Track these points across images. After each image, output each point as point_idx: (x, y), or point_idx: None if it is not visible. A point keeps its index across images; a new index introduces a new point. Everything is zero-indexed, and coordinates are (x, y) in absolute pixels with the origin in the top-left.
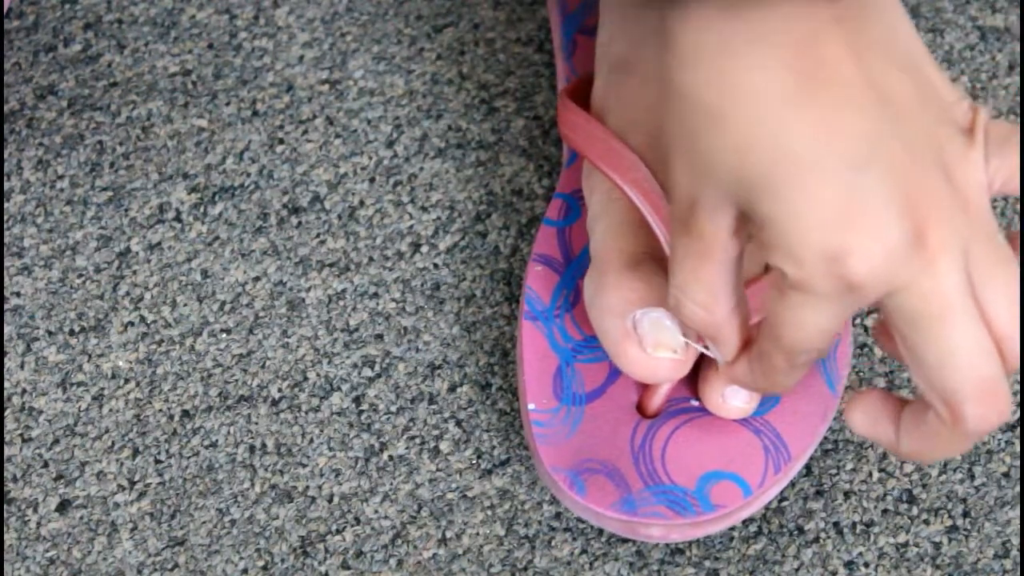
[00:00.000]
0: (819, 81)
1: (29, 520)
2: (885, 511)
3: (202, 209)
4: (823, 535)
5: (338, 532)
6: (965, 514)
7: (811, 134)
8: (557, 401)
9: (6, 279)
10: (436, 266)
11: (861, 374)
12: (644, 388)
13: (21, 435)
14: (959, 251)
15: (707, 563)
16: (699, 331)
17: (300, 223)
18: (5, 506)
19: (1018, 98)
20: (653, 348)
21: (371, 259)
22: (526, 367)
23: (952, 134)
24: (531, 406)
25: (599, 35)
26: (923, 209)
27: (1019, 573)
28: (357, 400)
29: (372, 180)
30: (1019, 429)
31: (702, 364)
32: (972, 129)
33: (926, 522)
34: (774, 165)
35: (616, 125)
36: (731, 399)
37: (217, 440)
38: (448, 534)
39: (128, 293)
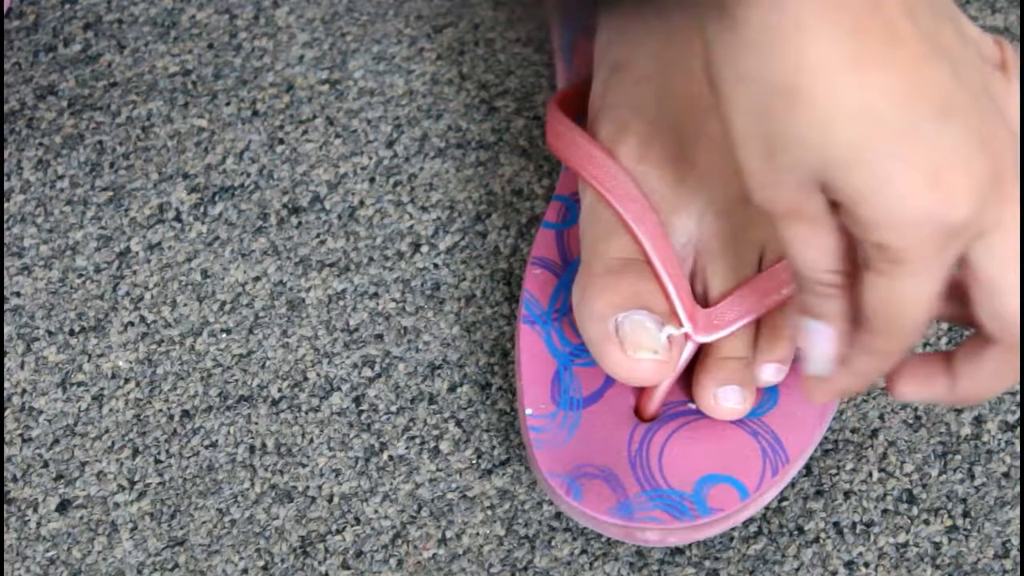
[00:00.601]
0: (885, 43)
1: (29, 520)
2: (885, 511)
3: (202, 209)
4: (823, 535)
5: (338, 532)
6: (965, 514)
7: (890, 96)
8: (555, 405)
9: (6, 279)
10: (436, 266)
11: None
12: (641, 391)
13: (21, 435)
14: (1012, 196)
15: (707, 563)
16: (839, 306)
17: (300, 223)
18: (5, 506)
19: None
20: (634, 350)
21: (371, 259)
22: (523, 371)
23: (991, 71)
24: (528, 411)
25: (598, 37)
26: (995, 147)
27: (1019, 573)
28: (357, 400)
29: (372, 180)
30: (1019, 429)
31: (696, 366)
32: (1004, 65)
33: (926, 522)
34: (861, 134)
35: (612, 126)
36: (724, 400)
37: (217, 440)
38: (448, 534)
39: (128, 293)
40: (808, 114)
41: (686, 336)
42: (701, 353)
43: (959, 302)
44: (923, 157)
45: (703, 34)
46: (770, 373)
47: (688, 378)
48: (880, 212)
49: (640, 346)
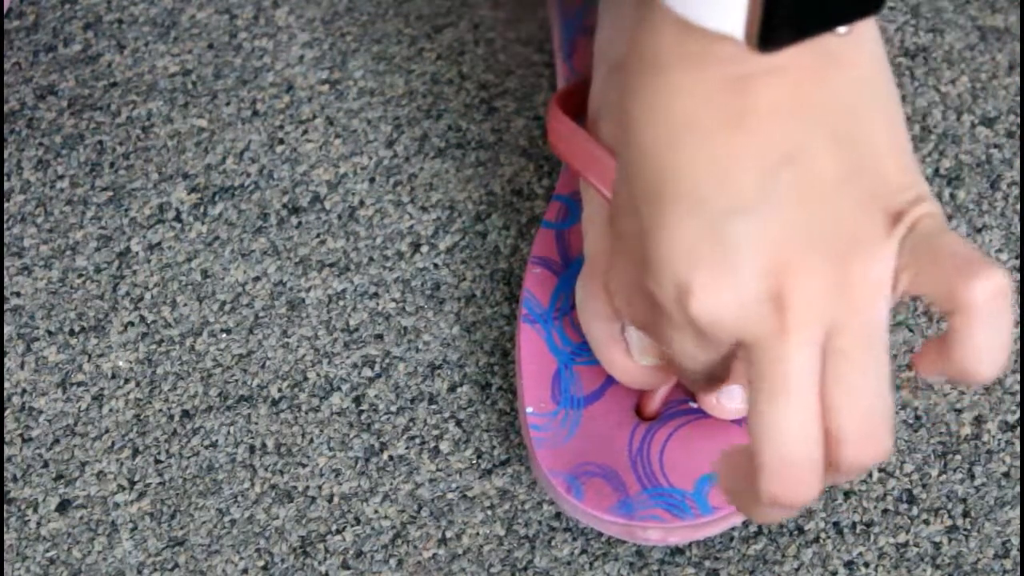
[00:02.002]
0: (733, 123)
1: (29, 520)
2: (885, 511)
3: (202, 209)
4: (823, 535)
5: (338, 532)
6: (965, 514)
7: (704, 167)
8: (555, 404)
9: (6, 279)
10: (436, 266)
11: None
12: (642, 391)
13: (21, 435)
14: (819, 329)
15: (707, 563)
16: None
17: (300, 223)
18: (5, 506)
19: (1018, 98)
20: (639, 354)
21: (371, 259)
22: (524, 370)
23: (873, 224)
24: (529, 409)
25: (598, 35)
26: (792, 277)
27: (1019, 573)
28: (357, 400)
29: (372, 180)
30: (1019, 429)
31: None
32: (896, 221)
33: (926, 522)
34: (663, 185)
35: (613, 125)
36: (727, 400)
37: (217, 440)
38: (448, 534)
39: (128, 293)
40: (639, 149)
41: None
42: None
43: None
44: (696, 235)
45: None
46: None
47: None
48: (648, 256)
49: (645, 351)
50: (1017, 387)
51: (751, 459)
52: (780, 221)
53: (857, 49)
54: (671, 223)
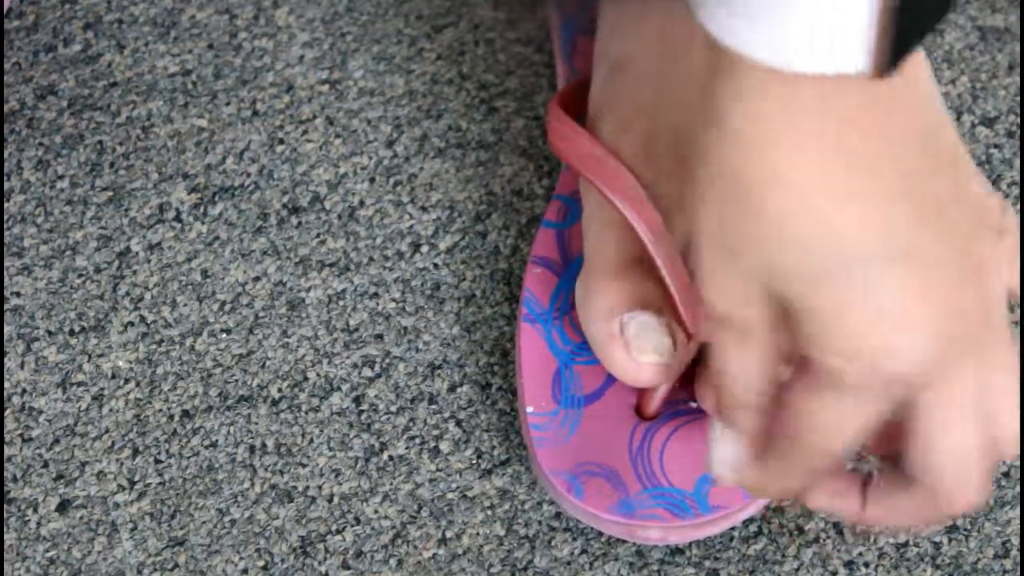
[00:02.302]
0: (856, 170)
1: (29, 520)
2: None
3: (202, 209)
4: (823, 535)
5: (338, 532)
6: (965, 514)
7: (856, 226)
8: (556, 404)
9: (6, 279)
10: (436, 266)
11: None
12: (642, 390)
13: (21, 435)
14: (979, 354)
15: (707, 563)
16: (754, 418)
17: (300, 223)
18: (5, 506)
19: (1018, 98)
20: (639, 352)
21: (371, 259)
22: (524, 370)
23: (985, 236)
24: (529, 409)
25: (598, 35)
26: (958, 311)
27: (1019, 573)
28: (357, 400)
29: (372, 180)
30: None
31: (698, 365)
32: (1003, 232)
33: None
34: (818, 258)
35: (613, 125)
36: None
37: (217, 440)
38: (448, 534)
39: (128, 293)
40: (766, 227)
41: (688, 337)
42: (703, 352)
43: (893, 440)
44: (879, 296)
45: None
46: None
47: (690, 376)
48: (828, 335)
49: (645, 349)
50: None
51: (846, 479)
52: (936, 257)
53: (911, 89)
54: (847, 292)
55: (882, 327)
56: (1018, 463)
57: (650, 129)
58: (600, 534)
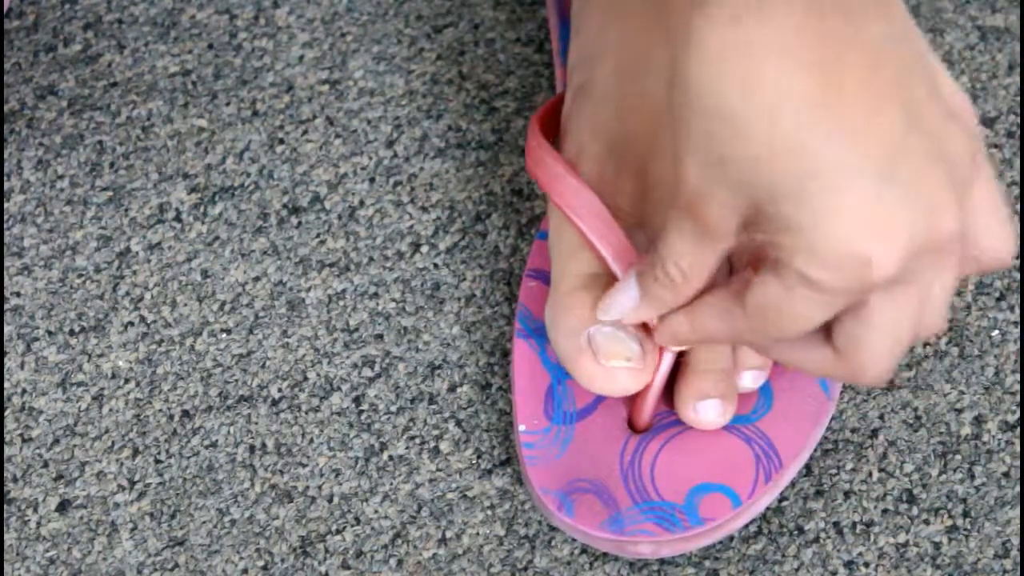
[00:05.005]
0: (838, 84)
1: (29, 520)
2: (885, 511)
3: (202, 209)
4: (823, 535)
5: (338, 532)
6: (965, 514)
7: (838, 141)
8: (548, 420)
9: (6, 279)
10: (436, 266)
11: None
12: (632, 403)
13: (21, 435)
14: (959, 255)
15: (707, 563)
16: (666, 297)
17: (300, 223)
18: (5, 506)
19: (1018, 98)
20: (607, 358)
21: (371, 259)
22: (517, 386)
23: (959, 136)
24: (522, 427)
25: (568, 57)
26: (938, 215)
27: (1019, 573)
28: (357, 400)
29: (372, 180)
30: (1019, 429)
31: (677, 377)
32: (973, 135)
33: (926, 522)
34: (801, 172)
35: (577, 145)
36: (703, 414)
37: (217, 440)
38: (448, 534)
39: (128, 293)
40: (750, 141)
41: (659, 349)
42: (681, 363)
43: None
44: (859, 207)
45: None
46: (750, 379)
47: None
48: (808, 243)
49: (614, 354)
50: (1017, 387)
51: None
52: (917, 165)
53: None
54: (829, 204)
55: (866, 238)
56: (1018, 463)
57: (605, 151)
58: None
